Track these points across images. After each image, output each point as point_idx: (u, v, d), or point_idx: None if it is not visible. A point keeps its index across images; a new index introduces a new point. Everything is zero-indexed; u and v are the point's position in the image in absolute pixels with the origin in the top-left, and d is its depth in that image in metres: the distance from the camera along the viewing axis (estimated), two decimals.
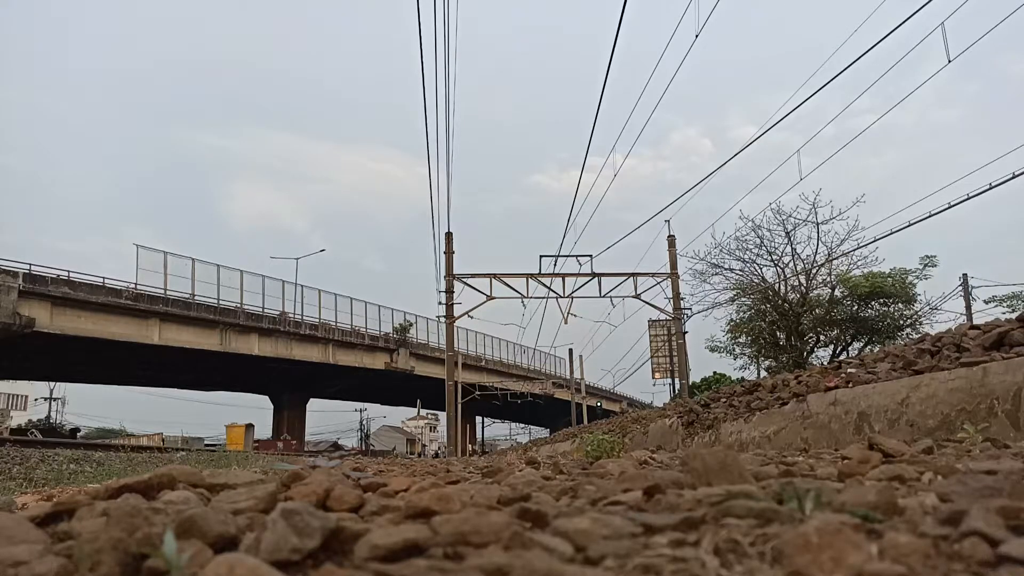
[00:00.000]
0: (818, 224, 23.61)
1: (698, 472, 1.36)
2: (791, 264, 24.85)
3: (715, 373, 40.48)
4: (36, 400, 66.46)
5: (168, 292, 37.22)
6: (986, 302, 29.50)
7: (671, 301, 26.90)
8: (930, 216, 19.52)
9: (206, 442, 52.17)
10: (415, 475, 3.02)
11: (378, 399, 68.39)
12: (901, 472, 1.58)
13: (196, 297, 38.67)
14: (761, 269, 25.48)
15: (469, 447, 57.19)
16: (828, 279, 24.98)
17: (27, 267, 31.76)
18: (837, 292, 25.09)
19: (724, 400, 7.93)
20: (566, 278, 26.45)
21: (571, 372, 55.93)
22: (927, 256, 24.76)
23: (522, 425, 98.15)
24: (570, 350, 60.01)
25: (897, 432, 4.08)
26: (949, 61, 13.50)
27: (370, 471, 3.72)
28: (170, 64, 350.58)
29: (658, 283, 27.03)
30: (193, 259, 39.11)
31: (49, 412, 60.73)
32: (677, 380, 33.85)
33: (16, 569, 0.90)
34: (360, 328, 48.82)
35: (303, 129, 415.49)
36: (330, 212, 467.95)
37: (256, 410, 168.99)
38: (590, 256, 26.03)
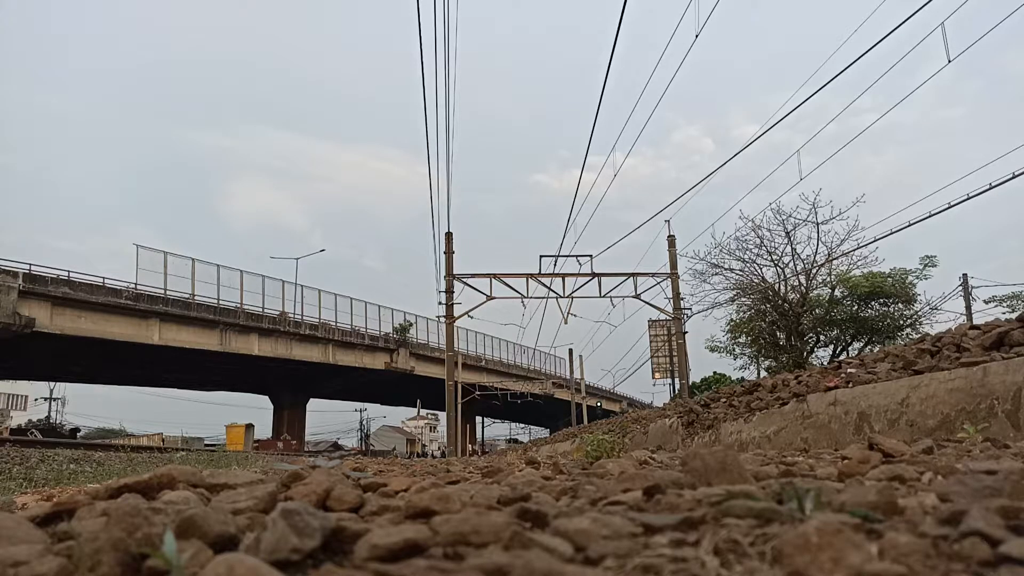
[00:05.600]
0: (818, 224, 23.60)
1: (698, 472, 1.36)
2: (791, 264, 24.85)
3: (715, 373, 40.55)
4: (36, 400, 66.31)
5: (168, 292, 37.25)
6: (986, 302, 29.54)
7: (671, 301, 26.90)
8: (930, 216, 19.57)
9: (206, 442, 52.12)
10: (415, 475, 3.02)
11: (378, 399, 68.41)
12: (901, 472, 1.58)
13: (196, 297, 38.70)
14: (761, 269, 25.47)
15: (469, 447, 57.18)
16: (828, 279, 24.97)
17: (27, 267, 31.80)
18: (837, 292, 25.08)
19: (724, 400, 7.92)
20: (566, 278, 26.44)
21: (571, 372, 55.96)
22: (927, 256, 24.78)
23: (522, 425, 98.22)
24: (570, 350, 60.14)
25: (897, 432, 4.08)
26: (949, 61, 13.53)
27: (370, 471, 3.71)
28: (170, 64, 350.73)
29: (658, 283, 27.04)
30: (193, 259, 39.17)
31: (49, 412, 60.67)
32: (677, 380, 33.86)
33: (16, 569, 0.90)
34: (360, 328, 48.83)
35: (303, 128, 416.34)
36: (330, 211, 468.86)
37: (256, 410, 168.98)
38: (590, 256, 26.05)
